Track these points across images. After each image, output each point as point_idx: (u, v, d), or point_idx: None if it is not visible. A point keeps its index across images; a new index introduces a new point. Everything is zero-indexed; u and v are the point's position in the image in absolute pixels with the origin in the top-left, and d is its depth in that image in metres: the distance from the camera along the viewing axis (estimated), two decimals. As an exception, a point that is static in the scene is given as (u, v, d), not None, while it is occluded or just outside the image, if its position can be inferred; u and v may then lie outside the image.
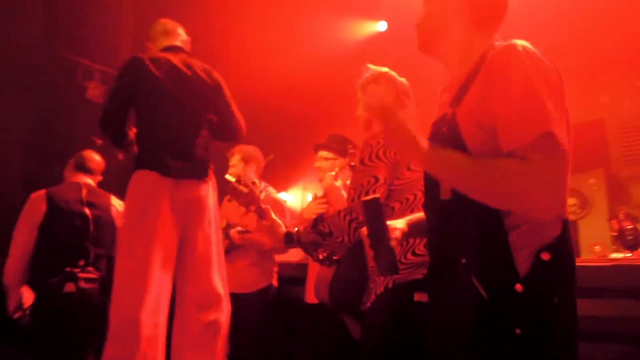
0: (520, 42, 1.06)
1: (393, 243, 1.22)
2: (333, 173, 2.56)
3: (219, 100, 2.48)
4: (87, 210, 2.70)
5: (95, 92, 5.36)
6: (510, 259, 1.02)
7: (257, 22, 5.11)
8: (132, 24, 5.79)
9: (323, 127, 4.82)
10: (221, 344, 2.29)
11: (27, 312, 2.44)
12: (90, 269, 2.63)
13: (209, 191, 2.34)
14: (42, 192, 2.68)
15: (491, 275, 1.04)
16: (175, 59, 2.39)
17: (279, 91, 5.52)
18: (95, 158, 2.93)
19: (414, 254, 1.59)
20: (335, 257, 1.73)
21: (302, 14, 5.03)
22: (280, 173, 5.67)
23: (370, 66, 1.88)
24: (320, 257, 1.69)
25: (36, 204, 2.64)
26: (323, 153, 2.84)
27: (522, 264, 1.02)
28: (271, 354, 2.89)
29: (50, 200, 2.65)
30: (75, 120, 4.63)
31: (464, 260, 1.07)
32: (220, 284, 2.31)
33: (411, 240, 1.57)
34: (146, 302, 2.03)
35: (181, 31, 2.58)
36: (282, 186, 6.29)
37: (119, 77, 2.35)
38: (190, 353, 2.20)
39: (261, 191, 2.28)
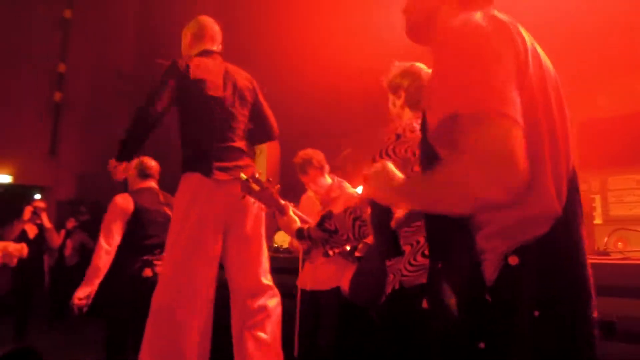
0: (467, 17, 0.89)
1: (393, 224, 1.16)
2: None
3: (256, 103, 2.55)
4: (166, 209, 3.02)
5: None
6: (477, 265, 0.87)
7: (329, 17, 4.77)
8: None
9: (359, 126, 4.74)
10: (274, 328, 2.39)
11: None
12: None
13: None
14: (127, 195, 3.03)
15: (460, 282, 0.90)
16: (213, 64, 2.42)
17: (355, 86, 4.81)
18: (153, 164, 3.22)
19: (423, 255, 1.39)
20: (357, 254, 1.77)
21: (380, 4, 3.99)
22: (357, 167, 4.51)
23: (397, 63, 1.74)
24: (330, 252, 1.67)
25: (125, 204, 2.97)
26: None
27: (490, 270, 0.86)
28: (350, 350, 2.85)
29: (136, 201, 2.99)
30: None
31: (440, 265, 0.95)
32: (265, 276, 2.42)
33: (422, 241, 1.38)
34: (183, 293, 2.19)
35: (216, 30, 2.57)
36: (360, 179, 4.91)
37: (162, 81, 2.28)
38: (248, 335, 2.32)
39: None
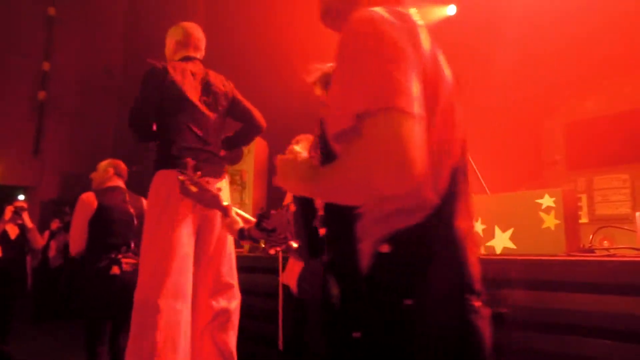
0: (359, 14, 0.88)
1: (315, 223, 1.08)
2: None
3: (236, 104, 2.62)
4: (130, 208, 3.13)
5: None
6: (353, 253, 0.88)
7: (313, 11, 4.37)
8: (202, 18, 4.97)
9: None
10: (232, 330, 2.44)
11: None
12: (130, 254, 3.02)
13: (223, 188, 2.43)
14: (91, 194, 3.10)
15: (339, 272, 0.91)
16: (193, 68, 2.50)
17: None
18: (124, 166, 3.38)
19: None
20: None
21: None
22: None
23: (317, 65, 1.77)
24: (271, 251, 1.62)
25: (88, 202, 3.04)
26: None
27: (365, 259, 0.87)
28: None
29: (99, 200, 3.06)
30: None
31: (325, 258, 0.96)
32: (229, 275, 2.47)
33: None
34: (165, 289, 2.20)
35: (200, 37, 2.64)
36: None
37: (143, 84, 2.40)
38: (207, 336, 2.37)
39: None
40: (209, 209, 1.85)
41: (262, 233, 1.54)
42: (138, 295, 2.27)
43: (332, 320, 0.92)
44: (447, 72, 0.95)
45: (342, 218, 0.91)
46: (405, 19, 0.89)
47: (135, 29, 7.69)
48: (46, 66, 8.17)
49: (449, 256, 0.90)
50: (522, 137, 4.81)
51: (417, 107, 0.80)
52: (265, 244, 1.60)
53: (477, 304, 0.90)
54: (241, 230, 1.67)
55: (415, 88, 0.82)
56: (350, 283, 0.90)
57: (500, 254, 2.65)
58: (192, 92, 2.44)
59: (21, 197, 8.18)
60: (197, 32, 2.65)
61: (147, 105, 2.39)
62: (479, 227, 2.86)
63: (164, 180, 2.34)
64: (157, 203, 2.32)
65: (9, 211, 4.63)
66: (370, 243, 0.88)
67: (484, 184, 3.40)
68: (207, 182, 1.84)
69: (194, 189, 1.80)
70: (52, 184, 7.99)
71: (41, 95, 8.13)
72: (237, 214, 1.77)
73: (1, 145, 7.64)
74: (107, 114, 7.98)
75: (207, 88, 2.52)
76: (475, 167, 3.40)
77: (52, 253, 5.73)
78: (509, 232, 2.69)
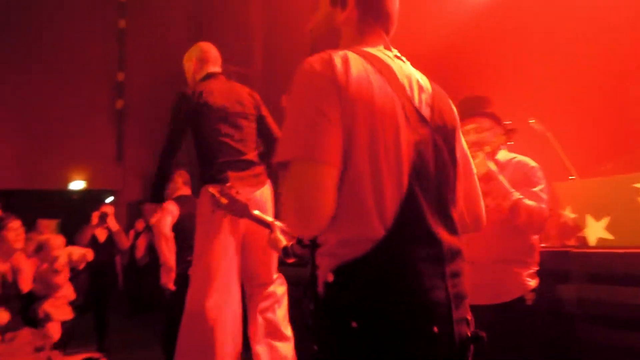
0: (303, 64, 1.00)
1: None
2: (482, 155, 2.13)
3: (260, 117, 2.73)
4: None
5: None
6: (314, 279, 1.01)
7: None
8: (263, 26, 6.18)
9: (479, 81, 4.25)
10: (282, 311, 2.62)
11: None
12: None
13: (264, 195, 2.58)
14: (173, 202, 3.47)
15: (310, 293, 1.03)
16: (218, 84, 2.65)
17: (421, 58, 3.93)
18: (188, 175, 3.75)
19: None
20: None
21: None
22: None
23: None
24: None
25: (170, 211, 3.40)
26: (473, 125, 2.26)
27: (320, 285, 0.98)
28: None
29: (181, 207, 3.41)
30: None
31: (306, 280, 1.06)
32: (275, 272, 2.66)
33: None
34: (211, 296, 2.36)
35: (216, 53, 2.81)
36: None
37: (173, 112, 2.59)
38: (260, 317, 2.56)
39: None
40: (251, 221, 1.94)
41: (305, 249, 1.50)
42: (190, 302, 2.42)
43: (306, 333, 1.03)
44: (390, 96, 1.00)
45: (312, 246, 1.04)
46: (333, 64, 0.97)
47: (199, 35, 7.95)
48: (121, 76, 8.67)
49: (399, 284, 0.95)
50: (605, 110, 4.36)
51: (327, 156, 0.92)
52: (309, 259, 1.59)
53: (435, 328, 0.94)
54: (285, 249, 1.68)
55: (329, 139, 0.93)
56: (314, 304, 1.02)
57: (595, 246, 2.41)
58: (223, 106, 2.57)
59: (110, 199, 8.84)
60: (212, 48, 2.83)
61: (176, 135, 2.58)
62: (568, 216, 2.62)
63: (207, 195, 2.44)
64: (204, 219, 2.46)
65: (95, 217, 4.98)
66: (323, 271, 0.99)
67: (572, 169, 3.11)
68: (237, 193, 1.94)
69: (224, 200, 1.90)
70: (135, 187, 8.50)
71: (119, 103, 8.65)
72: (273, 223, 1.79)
73: (88, 153, 8.24)
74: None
75: (236, 99, 2.64)
76: (560, 151, 3.13)
77: (139, 253, 6.08)
78: (604, 221, 2.44)
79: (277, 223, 1.77)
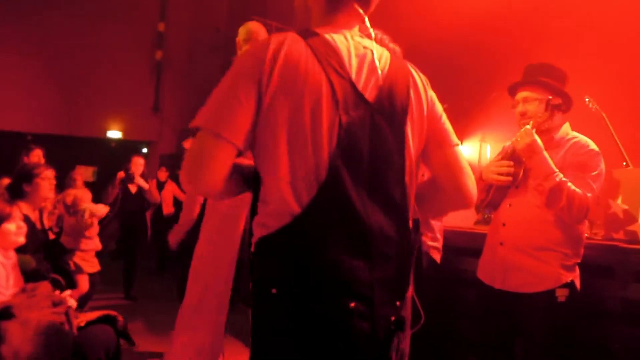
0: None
1: None
2: (529, 126, 1.96)
3: None
4: None
5: None
6: (250, 247, 1.08)
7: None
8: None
9: (505, 70, 3.66)
10: None
11: None
12: None
13: None
14: None
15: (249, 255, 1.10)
16: None
17: (453, 33, 4.68)
18: None
19: None
20: None
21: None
22: (456, 123, 3.08)
23: None
24: None
25: None
26: (524, 93, 2.08)
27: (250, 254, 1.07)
28: (435, 327, 2.65)
29: None
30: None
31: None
32: None
33: None
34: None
35: (262, 33, 2.78)
36: (457, 137, 3.45)
37: None
38: None
39: None
40: None
41: None
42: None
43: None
44: (318, 80, 1.03)
45: (251, 216, 1.10)
46: (263, 46, 1.04)
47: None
48: (161, 27, 8.58)
49: (311, 256, 1.00)
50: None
51: (228, 134, 0.99)
52: None
53: (352, 304, 1.00)
54: None
55: (236, 120, 1.00)
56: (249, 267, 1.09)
57: (645, 242, 2.20)
58: None
59: (144, 150, 8.97)
60: (259, 29, 2.77)
61: None
62: (619, 206, 2.40)
63: None
64: None
65: (119, 177, 5.03)
66: (254, 240, 1.07)
67: (626, 155, 2.85)
68: None
69: None
70: (170, 139, 8.58)
71: (158, 55, 8.61)
72: None
73: (125, 104, 8.31)
74: (215, 71, 8.22)
75: None
76: (615, 134, 2.87)
77: (165, 205, 6.16)
78: (660, 216, 2.22)
79: None
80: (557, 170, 1.90)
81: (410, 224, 1.13)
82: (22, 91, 7.56)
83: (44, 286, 1.92)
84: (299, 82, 1.01)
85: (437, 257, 2.47)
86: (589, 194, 1.86)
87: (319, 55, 1.05)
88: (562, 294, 1.89)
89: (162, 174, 6.43)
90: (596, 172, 1.91)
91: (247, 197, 1.13)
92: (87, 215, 3.58)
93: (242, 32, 2.75)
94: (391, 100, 1.09)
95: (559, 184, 1.87)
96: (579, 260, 1.97)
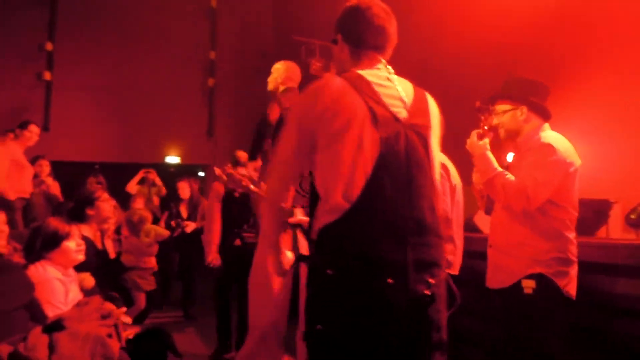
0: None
1: None
2: (473, 135, 2.20)
3: None
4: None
5: (317, 65, 4.80)
6: (310, 237, 1.38)
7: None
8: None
9: (559, 73, 4.18)
10: None
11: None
12: (249, 230, 3.90)
13: None
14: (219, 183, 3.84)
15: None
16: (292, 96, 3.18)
17: (508, 33, 4.53)
18: (244, 154, 4.20)
19: None
20: None
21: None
22: None
23: None
24: None
25: (217, 189, 3.81)
26: (499, 107, 2.25)
27: (311, 244, 1.37)
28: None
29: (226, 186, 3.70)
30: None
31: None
32: None
33: None
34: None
35: (295, 70, 3.38)
36: None
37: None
38: None
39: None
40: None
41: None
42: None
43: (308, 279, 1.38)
44: (359, 108, 1.33)
45: (310, 212, 1.43)
46: (312, 92, 1.38)
47: (283, 8, 7.94)
48: (212, 55, 8.96)
49: (356, 243, 1.28)
50: None
51: (287, 157, 1.44)
52: None
53: (390, 279, 1.25)
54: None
55: (294, 141, 1.40)
56: (309, 257, 1.40)
57: None
58: None
59: (201, 173, 9.31)
60: (295, 71, 3.38)
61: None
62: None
63: None
64: None
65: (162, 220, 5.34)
66: (313, 234, 1.36)
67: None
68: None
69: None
70: (223, 162, 8.79)
71: (210, 82, 8.98)
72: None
73: (182, 130, 8.70)
74: (263, 94, 8.48)
75: None
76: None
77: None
78: None
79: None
80: (498, 169, 2.07)
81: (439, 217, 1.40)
82: (90, 123, 8.14)
83: (96, 300, 1.99)
84: (346, 112, 1.31)
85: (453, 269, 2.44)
86: (527, 183, 1.95)
87: (357, 87, 1.34)
88: (527, 285, 1.95)
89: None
90: (541, 162, 1.98)
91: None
92: (152, 235, 3.74)
93: (277, 73, 3.31)
94: (417, 119, 1.40)
95: (493, 177, 2.06)
96: (562, 256, 1.98)
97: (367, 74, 1.40)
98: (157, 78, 8.34)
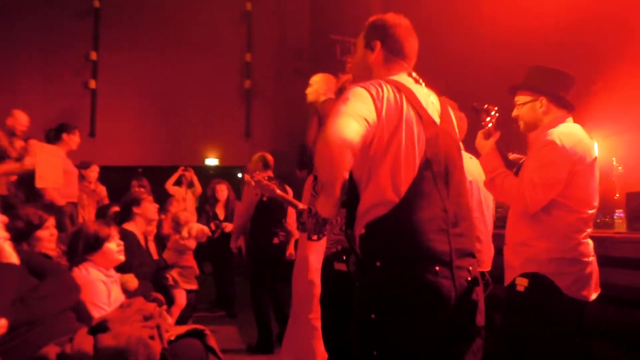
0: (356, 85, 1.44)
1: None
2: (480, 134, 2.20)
3: None
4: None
5: None
6: (352, 233, 1.48)
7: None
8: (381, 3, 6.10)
9: (605, 59, 4.25)
10: None
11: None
12: (283, 228, 4.22)
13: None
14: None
15: (351, 245, 1.50)
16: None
17: (549, 25, 4.49)
18: (271, 158, 4.35)
19: (334, 233, 2.18)
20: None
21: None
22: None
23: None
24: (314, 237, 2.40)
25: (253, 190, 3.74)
26: (519, 98, 2.18)
27: (357, 238, 1.45)
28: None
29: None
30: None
31: (348, 232, 1.50)
32: None
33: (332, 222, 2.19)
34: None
35: (333, 83, 3.50)
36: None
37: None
38: None
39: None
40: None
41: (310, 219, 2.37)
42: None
43: (356, 273, 1.50)
44: (409, 113, 1.44)
45: (352, 213, 1.47)
46: (379, 88, 1.43)
47: (320, 11, 7.93)
48: (248, 57, 9.07)
49: (410, 236, 1.37)
50: None
51: (358, 118, 1.34)
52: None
53: (437, 267, 1.36)
54: (299, 212, 2.56)
55: (368, 113, 1.37)
56: (353, 250, 1.49)
57: None
58: None
59: (239, 175, 9.43)
60: (332, 82, 3.51)
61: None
62: None
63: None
64: None
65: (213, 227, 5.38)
66: (359, 228, 1.44)
67: None
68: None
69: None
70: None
71: (247, 83, 9.09)
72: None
73: (220, 132, 8.86)
74: (300, 94, 8.49)
75: None
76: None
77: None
78: None
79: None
80: (499, 169, 2.06)
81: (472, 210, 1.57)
82: (133, 128, 8.42)
83: (139, 301, 2.03)
84: (397, 112, 1.41)
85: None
86: (525, 185, 1.92)
87: (404, 93, 1.46)
88: (520, 283, 1.95)
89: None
90: (541, 162, 1.94)
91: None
92: (194, 232, 3.82)
93: (317, 85, 3.50)
94: (447, 122, 1.56)
95: (494, 177, 2.06)
96: (565, 256, 1.94)
97: (404, 80, 1.52)
98: (195, 83, 8.53)
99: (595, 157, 1.98)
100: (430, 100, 1.54)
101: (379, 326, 1.34)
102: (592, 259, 1.98)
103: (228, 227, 5.58)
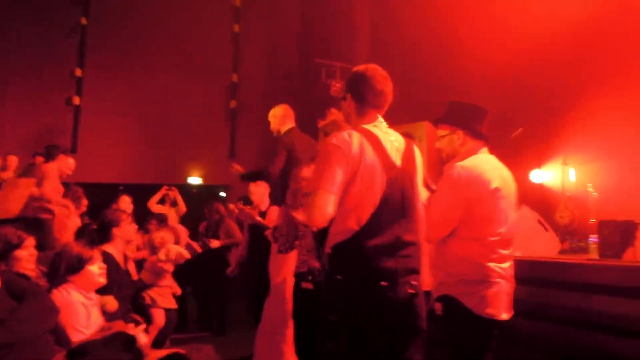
0: (334, 136, 1.84)
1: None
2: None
3: None
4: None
5: (337, 87, 5.96)
6: (323, 254, 1.86)
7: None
8: (367, 17, 6.79)
9: (584, 85, 4.58)
10: None
11: None
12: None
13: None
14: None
15: (322, 262, 2.13)
16: (299, 136, 4.19)
17: (528, 53, 4.84)
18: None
19: (302, 254, 2.86)
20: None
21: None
22: (533, 147, 5.03)
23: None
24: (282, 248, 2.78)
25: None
26: (440, 131, 2.31)
27: (325, 256, 1.82)
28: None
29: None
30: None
31: (321, 249, 1.97)
32: None
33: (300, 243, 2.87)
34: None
35: (292, 112, 4.27)
36: (535, 162, 5.20)
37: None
38: None
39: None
40: None
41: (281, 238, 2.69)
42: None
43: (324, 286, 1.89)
44: (374, 161, 1.78)
45: (324, 236, 1.84)
46: (345, 141, 1.77)
47: (309, 32, 8.06)
48: (234, 77, 9.13)
49: (361, 257, 1.74)
50: None
51: (332, 188, 1.72)
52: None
53: (385, 283, 1.73)
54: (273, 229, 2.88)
55: (337, 178, 1.73)
56: (324, 266, 1.90)
57: None
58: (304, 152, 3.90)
59: (222, 194, 9.39)
60: (289, 109, 4.23)
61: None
62: None
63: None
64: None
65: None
66: (327, 248, 1.81)
67: None
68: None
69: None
70: (245, 183, 8.89)
71: (232, 103, 9.13)
72: None
73: (203, 151, 8.83)
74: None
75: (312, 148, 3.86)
76: None
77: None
78: None
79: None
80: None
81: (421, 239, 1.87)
82: (116, 145, 8.34)
83: (119, 324, 2.01)
84: (363, 159, 1.74)
85: None
86: (426, 218, 2.01)
87: (370, 141, 1.77)
88: (437, 308, 2.07)
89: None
90: (439, 195, 2.13)
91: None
92: (172, 255, 3.79)
93: (280, 110, 4.15)
94: (408, 164, 1.86)
95: None
96: (472, 278, 2.03)
97: (372, 128, 1.84)
98: (180, 101, 8.54)
99: (498, 187, 2.06)
100: (394, 145, 1.83)
101: (337, 325, 1.70)
102: (500, 280, 2.04)
103: (214, 242, 5.55)
